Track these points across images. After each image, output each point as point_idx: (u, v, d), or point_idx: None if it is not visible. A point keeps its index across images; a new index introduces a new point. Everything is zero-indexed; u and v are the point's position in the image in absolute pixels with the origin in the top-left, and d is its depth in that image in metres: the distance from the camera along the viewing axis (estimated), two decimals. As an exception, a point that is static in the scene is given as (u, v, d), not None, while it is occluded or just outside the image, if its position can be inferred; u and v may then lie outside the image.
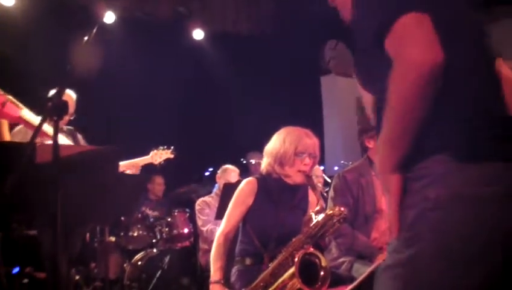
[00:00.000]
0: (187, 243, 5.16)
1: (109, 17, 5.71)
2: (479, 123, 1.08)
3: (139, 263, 4.66)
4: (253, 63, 6.61)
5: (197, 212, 4.80)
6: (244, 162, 5.47)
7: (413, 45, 1.03)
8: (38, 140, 2.53)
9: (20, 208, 2.03)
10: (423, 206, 1.07)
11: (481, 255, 1.04)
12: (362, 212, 2.86)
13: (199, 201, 4.86)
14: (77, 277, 4.33)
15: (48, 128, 2.57)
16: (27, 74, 4.99)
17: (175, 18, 6.28)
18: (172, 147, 4.22)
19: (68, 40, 2.98)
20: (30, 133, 2.50)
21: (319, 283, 2.26)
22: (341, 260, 2.83)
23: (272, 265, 2.39)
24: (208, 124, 6.66)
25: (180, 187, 5.60)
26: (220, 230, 2.65)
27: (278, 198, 2.63)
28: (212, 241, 2.67)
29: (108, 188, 2.13)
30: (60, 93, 1.70)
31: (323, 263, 2.29)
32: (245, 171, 5.15)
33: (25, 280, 3.86)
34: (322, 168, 5.11)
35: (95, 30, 1.79)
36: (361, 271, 2.60)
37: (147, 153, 4.11)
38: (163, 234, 4.86)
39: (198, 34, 6.58)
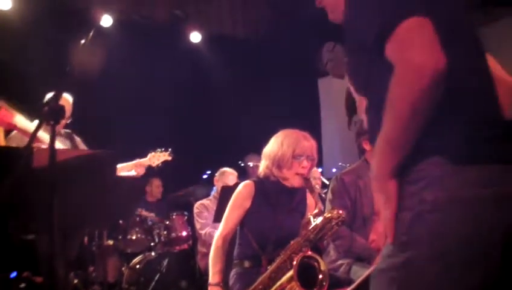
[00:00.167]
0: (185, 246, 5.16)
1: (106, 21, 5.70)
2: (476, 125, 1.08)
3: (138, 266, 4.66)
4: (251, 66, 6.61)
5: (195, 215, 4.79)
6: (242, 164, 5.47)
7: (416, 50, 1.03)
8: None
9: (17, 212, 2.02)
10: (420, 208, 1.06)
11: (479, 257, 1.03)
12: (360, 214, 2.86)
13: (197, 204, 4.85)
14: (75, 281, 4.32)
15: (41, 134, 2.57)
16: (24, 77, 4.98)
17: (172, 21, 6.28)
18: (170, 149, 4.22)
19: (65, 44, 2.98)
20: (25, 138, 2.49)
21: (317, 287, 2.26)
22: (339, 262, 2.83)
23: (270, 268, 2.38)
24: (206, 127, 6.66)
25: (178, 190, 5.60)
26: (218, 233, 2.65)
27: (276, 201, 2.63)
28: (210, 245, 2.66)
29: (106, 192, 2.12)
30: (56, 97, 1.69)
31: (322, 267, 2.29)
32: (243, 174, 5.14)
33: (23, 285, 3.85)
34: (319, 170, 5.11)
35: (92, 33, 1.79)
36: (360, 274, 2.60)
37: (145, 156, 4.11)
38: (162, 237, 4.86)
39: (195, 37, 6.58)
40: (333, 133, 7.23)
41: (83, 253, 4.46)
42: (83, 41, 1.79)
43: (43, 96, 3.29)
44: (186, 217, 5.04)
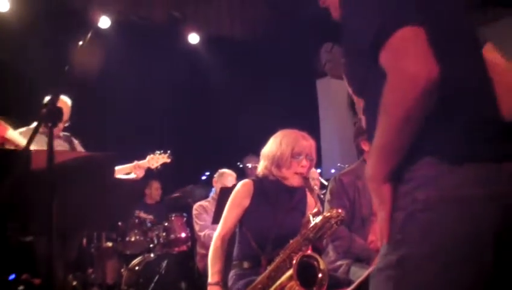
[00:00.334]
0: (184, 248, 5.15)
1: (104, 22, 5.70)
2: (469, 125, 1.09)
3: (137, 268, 4.65)
4: (249, 67, 6.62)
5: (194, 217, 4.79)
6: (241, 166, 5.47)
7: (410, 60, 1.04)
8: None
9: (15, 214, 2.02)
10: (413, 208, 1.08)
11: (471, 257, 1.04)
12: (359, 215, 2.86)
13: (196, 206, 4.85)
14: (74, 283, 4.32)
15: (18, 137, 2.60)
16: (22, 78, 4.98)
17: (170, 22, 6.28)
18: (169, 152, 4.21)
19: (63, 45, 2.98)
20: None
21: (317, 286, 2.26)
22: (338, 263, 2.83)
23: (269, 268, 2.38)
24: (204, 128, 6.66)
25: (176, 191, 5.59)
26: (216, 233, 2.64)
27: (275, 199, 2.63)
28: (209, 246, 2.66)
29: (104, 194, 2.12)
30: (54, 99, 1.69)
31: (322, 266, 2.29)
32: (241, 175, 5.14)
33: (21, 287, 3.85)
34: (318, 171, 5.11)
35: (90, 34, 1.79)
36: (359, 274, 2.60)
37: (144, 158, 4.11)
38: (161, 239, 4.85)
39: (193, 38, 6.58)
40: (332, 134, 7.24)
41: (82, 255, 4.46)
42: (81, 42, 1.79)
43: (41, 98, 3.29)
44: (185, 219, 5.04)
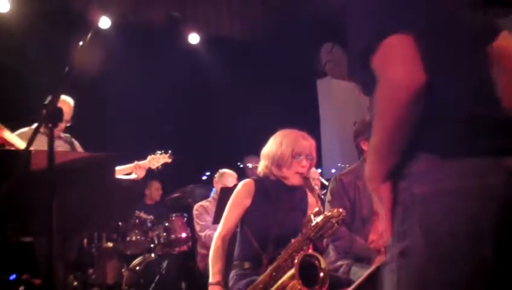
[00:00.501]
0: (185, 248, 5.15)
1: (104, 22, 5.70)
2: (465, 122, 1.13)
3: (137, 268, 4.65)
4: (249, 67, 6.61)
5: (195, 217, 4.78)
6: (241, 166, 5.46)
7: (395, 68, 1.09)
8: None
9: (16, 214, 2.02)
10: (411, 201, 1.14)
11: (468, 247, 1.07)
12: (359, 215, 2.86)
13: (197, 206, 4.84)
14: (75, 283, 4.32)
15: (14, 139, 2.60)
16: (22, 78, 4.98)
17: (170, 22, 6.28)
18: (169, 152, 4.21)
19: (63, 45, 2.98)
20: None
21: (319, 285, 2.26)
22: (339, 263, 2.83)
23: (271, 267, 2.39)
24: (205, 128, 6.66)
25: (176, 191, 5.59)
26: (217, 233, 2.64)
27: (276, 199, 2.63)
28: (210, 247, 2.66)
29: (104, 194, 2.12)
30: (54, 100, 1.69)
31: (323, 265, 2.30)
32: (242, 175, 5.14)
33: (22, 287, 3.85)
34: (319, 171, 5.10)
35: (90, 35, 1.79)
36: (359, 274, 2.60)
37: (144, 158, 4.10)
38: (161, 239, 4.85)
39: (193, 38, 6.58)
40: (332, 134, 7.23)
41: (82, 255, 4.46)
42: (81, 42, 1.79)
43: (41, 98, 3.29)
44: (185, 219, 5.03)
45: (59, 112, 1.66)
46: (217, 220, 3.73)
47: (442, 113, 1.14)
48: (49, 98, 1.73)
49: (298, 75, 6.92)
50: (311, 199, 2.71)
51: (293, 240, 2.38)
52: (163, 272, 4.59)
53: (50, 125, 1.65)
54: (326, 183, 4.35)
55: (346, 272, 2.78)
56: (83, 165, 2.09)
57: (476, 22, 1.26)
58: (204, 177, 6.16)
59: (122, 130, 5.64)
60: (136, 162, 3.96)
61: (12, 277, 3.83)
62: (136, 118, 6.10)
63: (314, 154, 2.64)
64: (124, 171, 3.86)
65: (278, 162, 2.60)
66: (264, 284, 2.37)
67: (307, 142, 2.62)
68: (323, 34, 6.79)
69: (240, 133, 6.27)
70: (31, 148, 1.73)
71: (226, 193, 3.57)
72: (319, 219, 2.35)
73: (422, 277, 1.10)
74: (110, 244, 4.83)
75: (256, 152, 2.97)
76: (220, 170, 4.96)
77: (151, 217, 5.08)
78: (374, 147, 1.19)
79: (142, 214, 5.02)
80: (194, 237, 4.97)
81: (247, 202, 2.63)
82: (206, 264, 3.81)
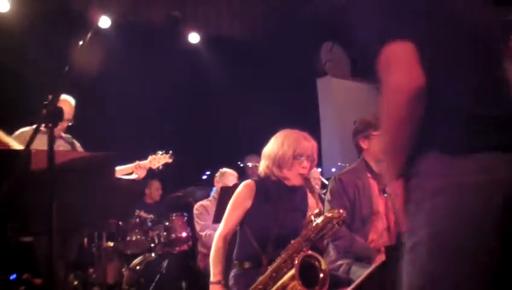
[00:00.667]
0: (185, 247, 5.15)
1: (104, 22, 5.70)
2: (470, 121, 1.19)
3: (138, 267, 4.65)
4: (249, 66, 6.61)
5: (195, 216, 4.79)
6: (242, 165, 5.46)
7: (394, 72, 1.19)
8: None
9: (16, 214, 2.02)
10: (421, 197, 1.21)
11: (474, 239, 1.12)
12: (359, 214, 2.86)
13: (197, 205, 4.85)
14: (75, 282, 4.32)
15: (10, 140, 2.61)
16: (22, 78, 4.98)
17: (170, 22, 6.28)
18: (170, 152, 4.21)
19: (63, 45, 2.98)
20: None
21: (319, 286, 2.26)
22: (339, 262, 2.83)
23: (271, 268, 2.38)
24: (205, 127, 6.66)
25: (177, 191, 5.59)
26: (218, 232, 2.64)
27: (277, 200, 2.63)
28: (210, 246, 2.66)
29: (105, 194, 2.12)
30: (54, 99, 1.69)
31: (323, 266, 2.30)
32: (242, 175, 5.14)
33: (22, 287, 3.85)
34: (319, 170, 5.10)
35: (90, 34, 1.79)
36: (359, 273, 2.60)
37: (144, 158, 4.10)
38: (161, 238, 4.85)
39: (193, 38, 6.58)
40: (332, 133, 7.23)
41: (83, 255, 4.46)
42: (81, 42, 1.79)
43: (41, 99, 3.29)
44: (185, 218, 5.03)
45: (59, 112, 1.66)
46: (217, 219, 3.74)
47: (444, 113, 1.20)
48: (49, 98, 1.73)
49: (298, 75, 6.92)
50: (311, 200, 2.71)
51: (293, 241, 2.38)
52: (164, 271, 4.59)
53: (50, 124, 1.65)
54: (326, 182, 4.36)
55: (346, 271, 2.78)
56: (83, 165, 2.09)
57: (477, 22, 1.29)
58: (204, 177, 6.15)
59: (122, 130, 5.63)
60: (137, 162, 3.96)
61: (13, 276, 3.83)
62: (136, 117, 6.09)
63: (315, 156, 2.64)
64: (124, 171, 3.86)
65: (279, 162, 2.60)
66: (263, 285, 2.37)
67: (309, 143, 2.62)
68: (323, 33, 6.79)
69: (240, 133, 6.27)
70: (31, 147, 1.73)
71: (226, 192, 3.57)
72: (319, 220, 2.35)
73: (429, 268, 1.16)
74: (111, 244, 4.83)
75: (256, 152, 2.97)
76: (220, 170, 4.96)
77: (152, 216, 5.08)
78: (383, 148, 1.30)
79: (143, 213, 5.01)
80: (194, 237, 4.97)
81: (248, 203, 2.63)
82: (207, 264, 3.81)
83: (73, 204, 1.93)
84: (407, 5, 1.24)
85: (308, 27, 6.18)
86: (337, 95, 7.44)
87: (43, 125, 1.70)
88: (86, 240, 4.63)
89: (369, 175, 2.93)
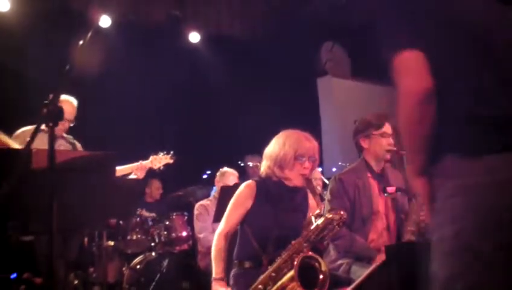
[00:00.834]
0: (186, 246, 5.15)
1: (105, 21, 5.70)
2: (483, 123, 1.26)
3: (138, 266, 4.65)
4: (250, 66, 6.61)
5: (195, 216, 4.79)
6: (242, 165, 5.46)
7: (405, 78, 1.31)
8: None
9: (16, 213, 2.02)
10: (444, 195, 1.29)
11: (491, 236, 1.20)
12: (359, 214, 2.86)
13: (197, 205, 4.85)
14: (76, 282, 4.32)
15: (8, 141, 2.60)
16: (22, 78, 4.98)
17: (170, 22, 6.28)
18: (172, 152, 4.21)
19: (63, 45, 2.98)
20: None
21: (318, 287, 2.26)
22: (339, 262, 2.83)
23: (271, 268, 2.38)
24: (205, 127, 6.66)
25: (177, 190, 5.59)
26: (218, 231, 2.64)
27: (278, 200, 2.62)
28: (209, 248, 2.65)
29: (105, 193, 2.12)
30: (55, 99, 1.69)
31: (323, 267, 2.29)
32: (242, 174, 5.14)
33: (23, 286, 3.85)
34: (320, 170, 5.10)
35: (90, 34, 1.79)
36: (359, 273, 2.60)
37: (144, 158, 4.10)
38: (162, 238, 4.85)
39: (193, 37, 6.58)
40: (333, 132, 7.23)
41: (83, 254, 4.46)
42: (81, 42, 1.79)
43: (41, 99, 3.30)
44: (186, 217, 5.04)
45: (60, 111, 1.66)
46: (217, 218, 3.74)
47: (446, 114, 1.29)
48: (50, 97, 1.73)
49: (298, 75, 6.92)
50: (311, 201, 2.70)
51: (293, 242, 2.38)
52: (164, 270, 4.58)
53: (51, 124, 1.65)
54: (327, 182, 4.36)
55: (346, 271, 2.78)
56: (84, 164, 2.09)
57: (477, 22, 1.31)
58: (205, 176, 6.15)
59: (123, 130, 5.63)
60: (140, 162, 3.96)
61: (13, 275, 3.83)
62: (137, 117, 6.09)
63: (317, 156, 2.63)
64: (123, 172, 3.86)
65: (280, 163, 2.59)
66: (263, 285, 2.37)
67: (310, 144, 2.61)
68: (323, 33, 6.79)
69: (240, 133, 6.27)
70: (32, 147, 1.74)
71: (226, 191, 3.57)
72: (319, 221, 2.34)
73: (449, 263, 1.25)
74: (111, 243, 4.83)
75: (256, 151, 2.97)
76: (221, 169, 4.96)
77: (153, 214, 5.09)
78: (405, 149, 1.41)
79: (144, 212, 5.02)
80: (194, 236, 4.97)
81: (249, 203, 2.63)
82: (207, 263, 3.81)
83: (74, 203, 1.93)
84: (407, 5, 1.27)
85: (308, 27, 6.18)
86: (337, 94, 7.44)
87: (43, 124, 1.70)
88: (86, 239, 4.63)
89: (369, 175, 2.93)
